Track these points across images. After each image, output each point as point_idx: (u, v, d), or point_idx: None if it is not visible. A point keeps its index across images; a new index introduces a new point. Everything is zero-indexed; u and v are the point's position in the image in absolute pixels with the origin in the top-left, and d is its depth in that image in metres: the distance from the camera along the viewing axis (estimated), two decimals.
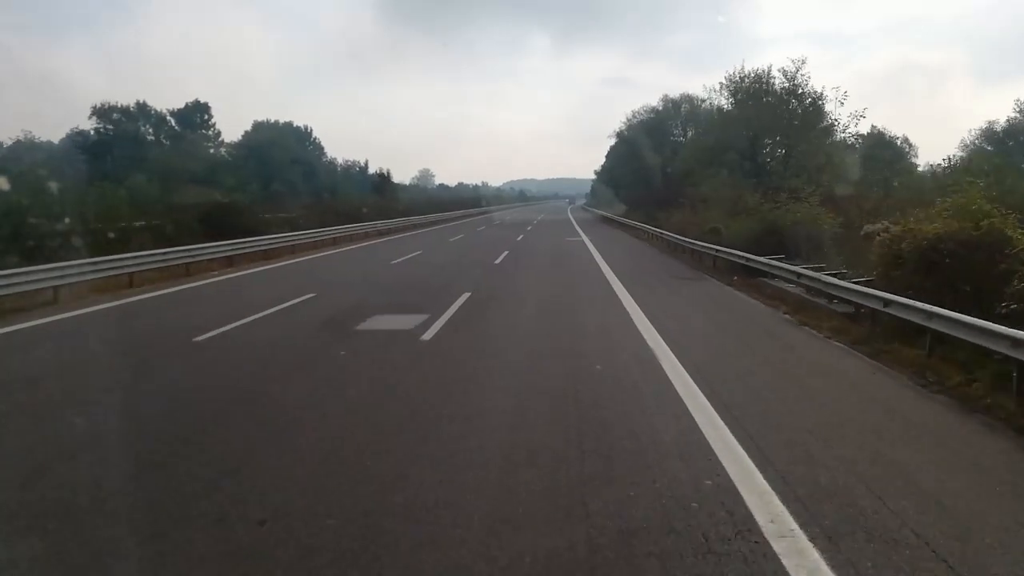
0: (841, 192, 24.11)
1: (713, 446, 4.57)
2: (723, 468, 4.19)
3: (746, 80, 28.21)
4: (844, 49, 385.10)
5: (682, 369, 6.61)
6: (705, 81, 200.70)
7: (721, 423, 5.02)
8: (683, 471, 4.17)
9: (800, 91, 26.84)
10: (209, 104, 54.15)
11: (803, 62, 26.83)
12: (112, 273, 13.24)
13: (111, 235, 16.40)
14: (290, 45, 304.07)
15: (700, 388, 5.95)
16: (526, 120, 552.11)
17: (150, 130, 51.31)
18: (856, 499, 3.76)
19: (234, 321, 9.34)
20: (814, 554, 3.18)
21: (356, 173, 65.20)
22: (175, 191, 30.70)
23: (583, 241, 28.02)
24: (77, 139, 46.71)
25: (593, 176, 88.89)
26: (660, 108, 47.42)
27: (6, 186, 17.04)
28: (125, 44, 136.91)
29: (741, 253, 14.48)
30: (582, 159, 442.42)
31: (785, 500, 3.73)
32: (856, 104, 55.00)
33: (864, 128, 32.12)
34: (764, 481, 3.98)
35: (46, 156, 46.48)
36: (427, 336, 8.40)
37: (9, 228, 14.65)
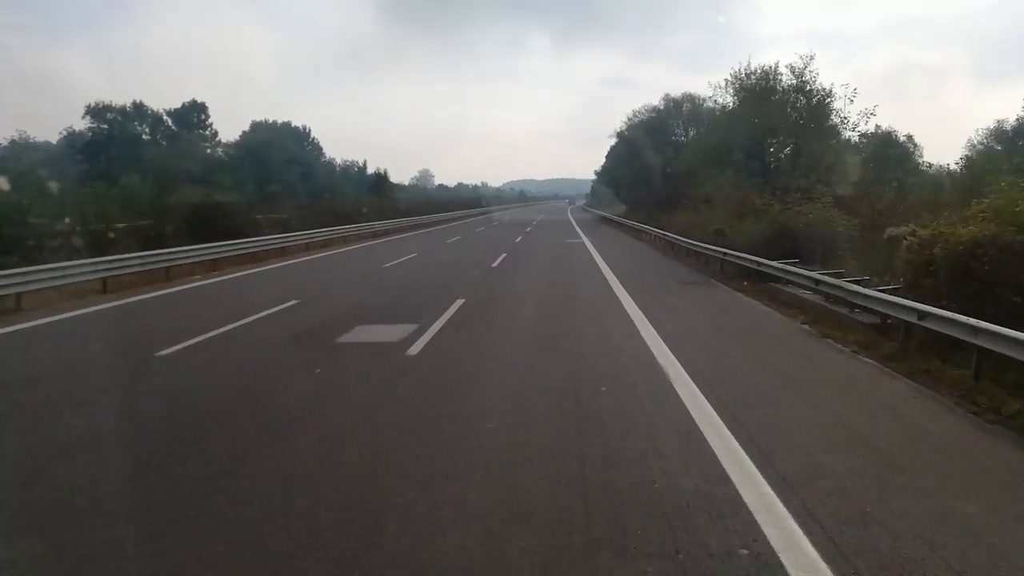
0: (852, 192, 23.40)
1: (752, 508, 3.67)
2: (774, 554, 3.27)
3: (752, 77, 27.44)
4: (844, 49, 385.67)
5: (702, 398, 5.81)
6: (705, 81, 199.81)
7: (751, 466, 4.24)
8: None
9: (808, 88, 26.10)
10: (206, 104, 53.24)
11: (811, 58, 26.08)
12: (84, 278, 12.47)
13: (88, 238, 15.57)
14: (290, 45, 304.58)
15: (720, 416, 5.19)
16: (526, 120, 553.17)
17: (146, 130, 50.51)
18: None
19: (208, 332, 8.59)
20: None
21: (355, 173, 64.47)
22: (170, 191, 29.92)
23: (583, 243, 27.21)
24: (71, 139, 45.96)
25: (593, 176, 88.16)
26: (661, 107, 46.73)
27: None
28: (125, 44, 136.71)
29: (752, 257, 13.65)
30: (582, 159, 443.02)
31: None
32: (862, 103, 54.20)
33: (871, 127, 31.34)
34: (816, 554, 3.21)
35: (44, 156, 45.70)
36: (413, 351, 7.63)
37: None
